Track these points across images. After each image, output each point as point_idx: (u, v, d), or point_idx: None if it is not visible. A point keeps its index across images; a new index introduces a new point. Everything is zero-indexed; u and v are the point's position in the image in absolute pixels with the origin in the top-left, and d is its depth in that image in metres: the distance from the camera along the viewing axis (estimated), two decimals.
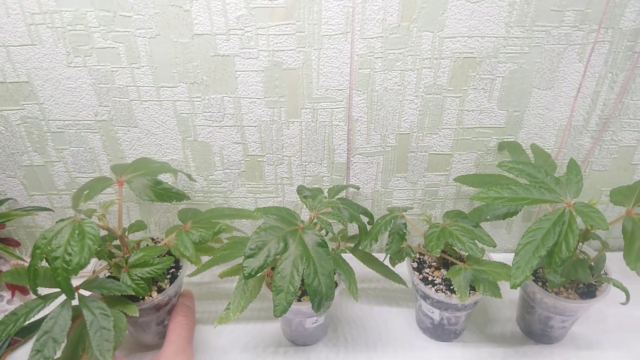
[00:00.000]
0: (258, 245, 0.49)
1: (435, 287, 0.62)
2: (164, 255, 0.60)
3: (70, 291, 0.49)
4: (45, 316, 0.51)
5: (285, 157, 0.72)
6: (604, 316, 0.70)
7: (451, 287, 0.61)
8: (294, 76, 0.64)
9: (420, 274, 0.65)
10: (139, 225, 0.65)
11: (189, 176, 0.70)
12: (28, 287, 0.70)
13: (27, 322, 0.53)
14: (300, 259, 0.50)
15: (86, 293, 0.54)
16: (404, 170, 0.74)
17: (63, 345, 0.50)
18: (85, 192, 0.57)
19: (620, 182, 0.75)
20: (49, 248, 0.48)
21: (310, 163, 0.73)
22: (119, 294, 0.54)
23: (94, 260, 0.61)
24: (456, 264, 0.61)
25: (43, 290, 0.52)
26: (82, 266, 0.48)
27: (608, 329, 0.69)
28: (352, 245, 0.65)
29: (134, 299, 0.58)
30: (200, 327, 0.69)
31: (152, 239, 0.68)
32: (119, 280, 0.55)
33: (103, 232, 0.58)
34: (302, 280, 0.49)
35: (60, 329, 0.49)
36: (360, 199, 0.77)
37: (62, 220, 0.50)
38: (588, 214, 0.51)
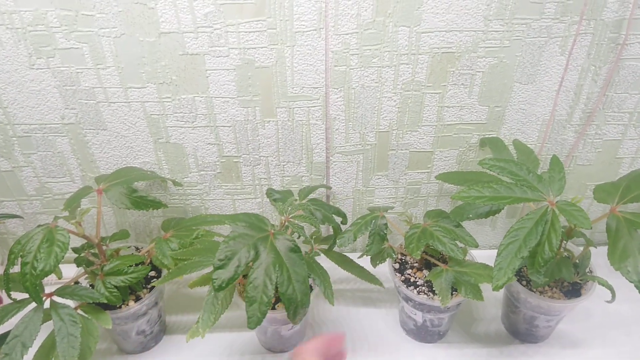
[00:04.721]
0: (227, 255, 0.47)
1: (418, 288, 0.60)
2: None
3: (37, 296, 0.49)
4: None
5: (262, 158, 0.70)
6: (590, 313, 0.69)
7: (433, 289, 0.59)
8: (267, 74, 0.62)
9: (402, 275, 0.63)
10: (122, 234, 0.64)
11: (174, 182, 0.69)
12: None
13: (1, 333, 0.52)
14: (273, 267, 0.48)
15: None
16: (384, 168, 0.72)
17: (31, 350, 0.50)
18: (66, 201, 0.59)
19: (605, 176, 0.73)
20: (22, 253, 0.49)
21: (288, 163, 0.70)
22: (91, 302, 0.54)
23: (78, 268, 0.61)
24: (438, 265, 0.59)
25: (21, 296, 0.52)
26: (47, 273, 0.48)
27: (594, 326, 0.68)
28: (325, 246, 0.63)
29: (111, 307, 0.57)
30: (174, 337, 0.67)
31: (136, 248, 0.66)
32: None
33: (82, 240, 0.58)
34: (276, 288, 0.47)
35: (29, 334, 0.49)
36: (341, 198, 0.75)
37: (40, 226, 0.51)
38: (571, 212, 0.49)
